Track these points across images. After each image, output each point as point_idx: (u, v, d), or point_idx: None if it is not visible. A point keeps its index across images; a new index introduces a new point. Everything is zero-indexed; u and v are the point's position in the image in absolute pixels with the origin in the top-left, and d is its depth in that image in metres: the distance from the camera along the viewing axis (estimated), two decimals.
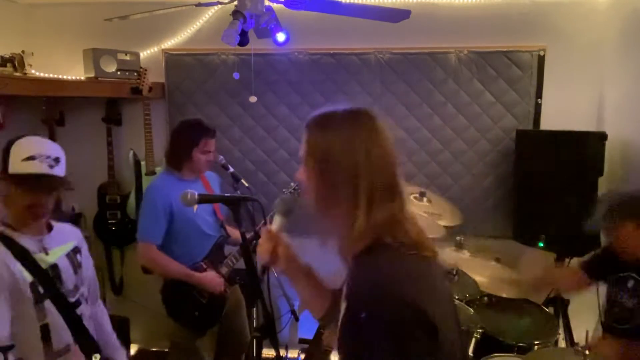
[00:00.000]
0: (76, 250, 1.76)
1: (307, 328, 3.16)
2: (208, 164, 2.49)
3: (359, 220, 0.98)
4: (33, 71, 3.02)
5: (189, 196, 1.64)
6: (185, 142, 2.44)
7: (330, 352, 2.87)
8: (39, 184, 1.53)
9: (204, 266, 2.49)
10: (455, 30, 3.05)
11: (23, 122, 3.18)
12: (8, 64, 2.80)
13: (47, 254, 1.61)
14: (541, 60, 3.01)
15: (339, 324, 1.02)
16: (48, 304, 1.55)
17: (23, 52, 2.89)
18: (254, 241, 2.36)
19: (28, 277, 1.52)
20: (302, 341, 3.31)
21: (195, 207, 2.46)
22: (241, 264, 2.51)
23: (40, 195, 1.56)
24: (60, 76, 3.12)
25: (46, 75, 3.12)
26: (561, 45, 2.99)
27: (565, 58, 3.00)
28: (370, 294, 0.93)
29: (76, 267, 1.72)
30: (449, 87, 3.10)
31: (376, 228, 0.99)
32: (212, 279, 2.45)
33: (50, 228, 1.69)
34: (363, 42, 3.12)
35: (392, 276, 0.95)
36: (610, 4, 2.90)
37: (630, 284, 1.91)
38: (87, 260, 1.81)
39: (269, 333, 1.62)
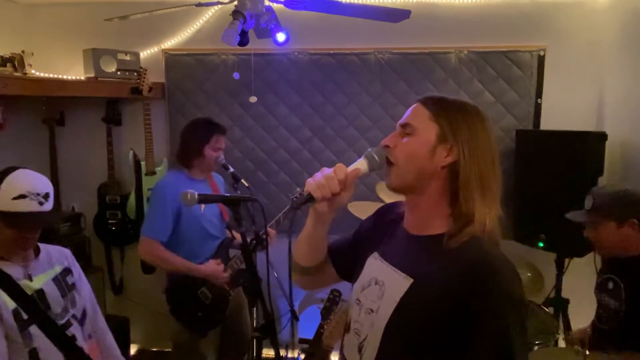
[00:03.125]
0: (65, 273, 1.74)
1: (307, 328, 3.15)
2: (217, 161, 2.50)
3: (482, 209, 1.00)
4: (33, 71, 3.02)
5: (189, 196, 1.64)
6: (197, 138, 2.46)
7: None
8: (28, 223, 1.55)
9: None
10: (455, 30, 3.05)
11: (23, 122, 3.18)
12: (8, 64, 2.80)
13: (31, 280, 1.61)
14: (541, 60, 3.01)
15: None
16: (34, 329, 1.53)
17: (23, 52, 2.89)
18: (254, 241, 2.37)
19: (10, 305, 1.50)
20: (302, 341, 3.31)
21: (203, 207, 2.46)
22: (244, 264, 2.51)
23: (28, 232, 1.58)
24: (60, 76, 3.12)
25: (46, 75, 3.11)
26: (561, 45, 2.99)
27: (565, 58, 3.00)
28: (507, 275, 0.94)
29: (65, 289, 1.71)
30: (449, 87, 3.10)
31: (490, 222, 1.01)
32: (213, 269, 2.45)
33: (37, 252, 1.70)
34: (363, 42, 3.12)
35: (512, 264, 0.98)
36: (610, 4, 2.90)
37: (610, 285, 1.94)
38: (80, 280, 1.80)
39: (269, 333, 1.62)
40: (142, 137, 3.13)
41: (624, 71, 2.75)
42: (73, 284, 1.75)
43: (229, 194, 2.49)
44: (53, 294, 1.65)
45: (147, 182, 3.12)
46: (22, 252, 1.62)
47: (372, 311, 1.06)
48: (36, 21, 3.32)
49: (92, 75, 3.01)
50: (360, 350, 1.07)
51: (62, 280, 1.72)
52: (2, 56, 2.80)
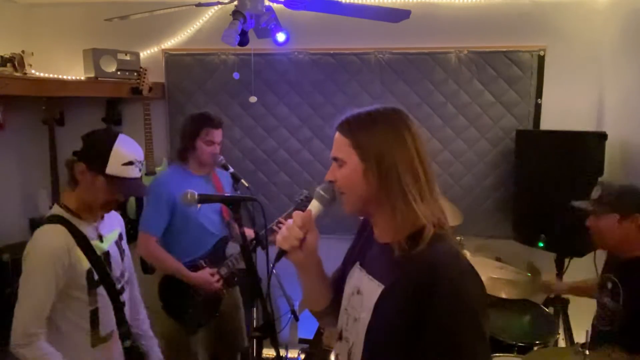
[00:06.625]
0: (121, 237, 1.83)
1: (307, 328, 3.16)
2: (212, 156, 2.49)
3: (420, 212, 1.03)
4: (33, 71, 3.02)
5: (189, 196, 1.64)
6: (189, 132, 2.47)
7: (330, 352, 2.87)
8: (132, 188, 1.70)
9: (203, 264, 2.49)
10: (455, 30, 3.05)
11: (23, 122, 3.18)
12: (8, 64, 2.81)
13: (101, 241, 1.69)
14: (541, 60, 3.01)
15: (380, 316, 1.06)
16: (100, 289, 1.63)
17: (23, 52, 2.89)
18: (254, 241, 2.36)
19: (85, 265, 1.59)
20: (302, 341, 3.31)
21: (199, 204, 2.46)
22: (240, 264, 2.51)
23: (131, 196, 1.68)
24: (60, 76, 3.12)
25: (46, 75, 3.12)
26: (561, 45, 2.99)
27: (565, 58, 3.00)
28: (455, 274, 0.97)
29: (122, 253, 1.79)
30: (449, 87, 3.10)
31: (434, 217, 1.05)
32: (204, 279, 2.43)
33: (102, 215, 1.76)
34: (363, 42, 3.12)
35: (464, 259, 1.02)
36: (609, 4, 2.90)
37: (610, 285, 1.94)
38: (127, 246, 1.88)
39: (269, 333, 1.62)
40: (142, 137, 3.12)
41: (624, 71, 2.75)
42: (124, 250, 1.83)
43: (229, 194, 2.49)
44: (115, 257, 1.74)
45: (147, 182, 3.11)
46: (101, 214, 1.70)
47: (357, 319, 1.13)
48: (36, 21, 3.32)
49: (92, 75, 3.01)
50: (349, 356, 1.15)
51: (119, 244, 1.80)
52: (2, 56, 2.81)
